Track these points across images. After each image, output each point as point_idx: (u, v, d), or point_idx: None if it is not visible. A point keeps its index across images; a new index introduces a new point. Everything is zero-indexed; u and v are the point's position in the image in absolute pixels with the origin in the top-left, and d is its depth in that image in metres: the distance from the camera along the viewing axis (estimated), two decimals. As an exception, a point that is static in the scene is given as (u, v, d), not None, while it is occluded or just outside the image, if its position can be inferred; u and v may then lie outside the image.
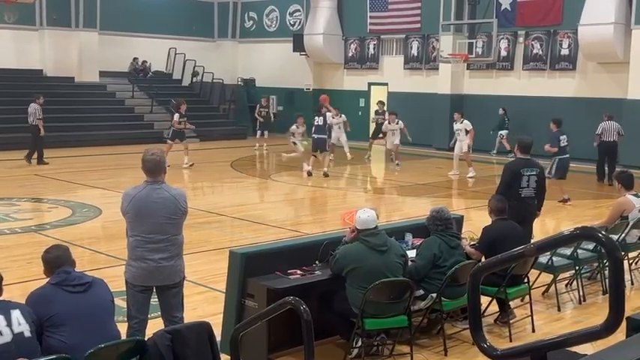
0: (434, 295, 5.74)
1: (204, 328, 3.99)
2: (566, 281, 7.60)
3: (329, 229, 9.92)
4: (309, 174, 16.02)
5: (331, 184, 15.53)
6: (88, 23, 24.15)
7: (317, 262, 5.83)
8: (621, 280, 2.22)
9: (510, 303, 6.44)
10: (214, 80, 26.27)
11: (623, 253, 2.37)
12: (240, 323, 4.66)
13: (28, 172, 16.10)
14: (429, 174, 17.22)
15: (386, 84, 24.10)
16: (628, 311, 2.28)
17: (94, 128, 21.89)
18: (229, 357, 4.25)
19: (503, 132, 20.25)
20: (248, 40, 27.97)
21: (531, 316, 6.37)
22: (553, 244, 2.74)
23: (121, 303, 5.34)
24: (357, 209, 5.95)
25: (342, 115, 18.78)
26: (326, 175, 15.85)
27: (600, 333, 2.19)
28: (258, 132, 21.75)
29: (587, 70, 19.45)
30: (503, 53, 20.94)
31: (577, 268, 7.30)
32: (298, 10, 26.30)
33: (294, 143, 17.78)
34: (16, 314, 3.83)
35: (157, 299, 5.09)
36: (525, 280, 6.47)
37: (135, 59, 25.76)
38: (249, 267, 5.46)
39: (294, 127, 17.47)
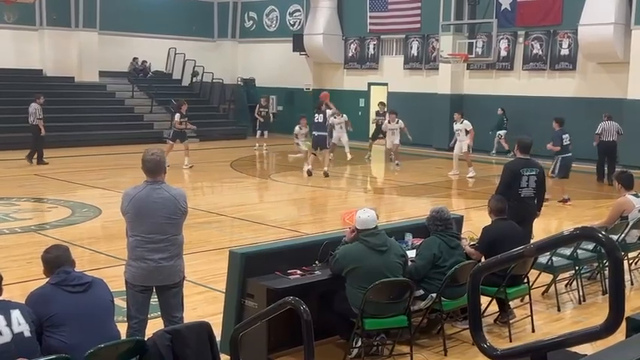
0: (434, 295, 5.74)
1: (204, 328, 3.99)
2: (566, 281, 7.60)
3: (329, 229, 9.92)
4: (309, 173, 16.02)
5: (331, 184, 15.53)
6: (87, 23, 24.15)
7: (317, 262, 5.83)
8: (621, 280, 2.21)
9: (510, 303, 6.44)
10: (214, 80, 26.27)
11: (623, 253, 2.37)
12: (240, 323, 4.65)
13: (27, 172, 16.10)
14: (428, 174, 17.22)
15: (386, 84, 24.10)
16: (628, 311, 2.28)
17: (93, 128, 21.89)
18: (229, 357, 4.24)
19: (502, 132, 20.29)
20: (248, 40, 27.97)
21: (531, 316, 6.37)
22: (553, 244, 2.74)
23: (120, 303, 5.34)
24: (356, 209, 5.95)
25: (344, 115, 18.79)
26: (326, 174, 15.85)
27: (600, 333, 2.19)
28: (258, 132, 21.75)
29: (587, 70, 19.46)
30: (503, 53, 20.95)
31: (577, 268, 7.30)
32: (298, 10, 26.30)
33: (297, 144, 17.78)
34: (15, 314, 3.83)
35: (156, 299, 5.09)
36: (525, 280, 6.47)
37: (135, 59, 25.75)
38: (249, 267, 5.46)
39: (297, 128, 17.47)
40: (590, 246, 7.37)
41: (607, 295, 6.29)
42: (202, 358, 3.92)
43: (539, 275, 7.17)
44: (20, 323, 3.81)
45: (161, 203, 4.90)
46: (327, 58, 25.19)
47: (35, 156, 17.16)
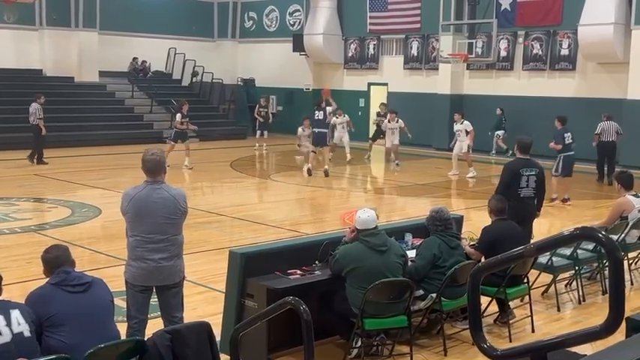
0: (434, 295, 5.74)
1: (204, 328, 3.99)
2: (566, 281, 7.60)
3: (329, 229, 9.93)
4: (310, 172, 16.02)
5: (331, 184, 15.53)
6: (87, 23, 24.15)
7: (317, 262, 5.83)
8: (621, 280, 2.21)
9: (510, 303, 6.44)
10: (214, 80, 26.27)
11: (622, 254, 2.37)
12: (239, 323, 4.65)
13: (27, 172, 16.10)
14: (428, 174, 17.22)
15: (386, 84, 24.09)
16: (628, 311, 2.28)
17: (93, 128, 21.88)
18: (229, 357, 4.24)
19: (500, 132, 20.31)
20: (248, 40, 27.97)
21: (531, 316, 6.37)
22: (553, 244, 2.74)
23: (120, 303, 5.34)
24: (356, 209, 5.95)
25: (346, 115, 18.81)
26: (326, 173, 15.85)
27: (600, 333, 2.19)
28: (258, 132, 21.75)
29: (587, 71, 19.46)
30: (503, 53, 20.95)
31: (577, 268, 7.30)
32: (298, 10, 26.30)
33: (299, 145, 17.78)
34: (15, 314, 3.83)
35: (156, 299, 5.09)
36: (525, 281, 6.47)
37: (134, 59, 25.75)
38: (249, 267, 5.46)
39: (300, 129, 17.47)
40: (590, 246, 7.37)
41: (607, 295, 6.30)
42: (202, 358, 3.92)
43: (539, 275, 7.17)
44: (20, 323, 3.81)
45: (161, 203, 4.90)
46: (327, 58, 25.20)
47: (35, 156, 17.16)
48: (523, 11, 20.49)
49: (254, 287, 5.40)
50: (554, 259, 7.10)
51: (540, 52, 20.32)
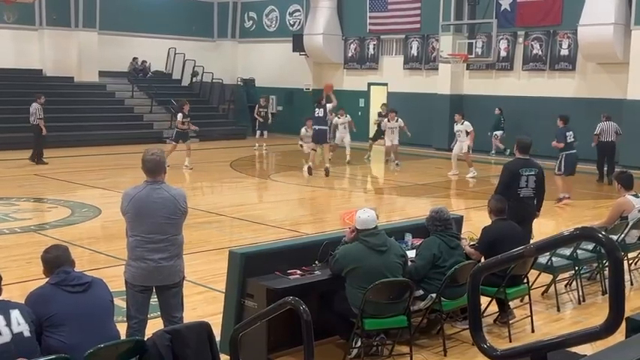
0: (433, 295, 5.74)
1: (204, 328, 3.99)
2: (566, 281, 7.60)
3: (329, 229, 9.93)
4: (310, 171, 16.03)
5: (331, 184, 15.53)
6: (87, 23, 24.15)
7: (317, 262, 5.83)
8: (621, 280, 2.21)
9: (510, 303, 6.44)
10: (214, 80, 26.27)
11: (622, 254, 2.37)
12: (239, 323, 4.65)
13: (27, 172, 16.10)
14: (428, 174, 17.23)
15: (385, 84, 24.10)
16: (627, 312, 2.28)
17: (93, 128, 21.88)
18: (229, 357, 4.24)
19: (498, 132, 20.31)
20: (248, 40, 27.97)
21: (531, 316, 6.37)
22: (553, 244, 2.74)
23: (120, 303, 5.34)
24: (356, 209, 5.94)
25: (348, 115, 18.81)
26: (327, 171, 15.84)
27: (600, 333, 2.19)
28: (258, 132, 21.74)
29: (587, 71, 19.46)
30: (503, 53, 20.95)
31: (576, 268, 7.30)
32: (298, 10, 26.30)
33: (301, 146, 17.77)
34: (15, 314, 3.82)
35: (156, 299, 5.09)
36: (525, 281, 6.47)
37: (134, 59, 25.75)
38: (249, 267, 5.46)
39: (303, 130, 17.46)
40: (590, 246, 7.37)
41: (607, 295, 6.30)
42: (202, 358, 3.92)
43: (538, 275, 7.17)
44: (20, 323, 3.81)
45: (161, 203, 4.90)
46: (327, 58, 25.20)
47: (36, 156, 17.16)
48: (523, 11, 20.49)
49: (254, 287, 5.40)
50: (554, 259, 7.10)
51: (540, 53, 20.32)
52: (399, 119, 17.91)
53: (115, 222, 8.87)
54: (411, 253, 6.01)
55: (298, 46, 25.10)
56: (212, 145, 22.19)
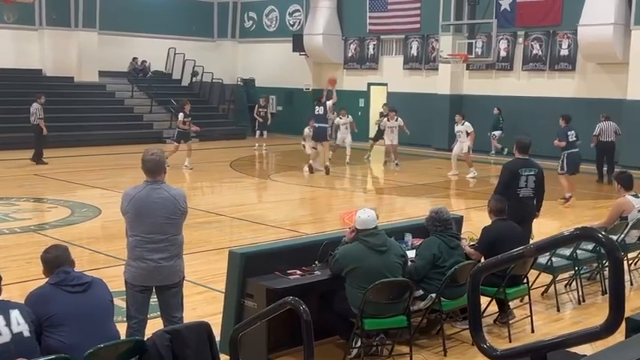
0: (433, 295, 5.74)
1: (204, 328, 3.99)
2: (566, 282, 7.60)
3: (329, 229, 9.92)
4: (311, 169, 16.01)
5: (331, 184, 15.53)
6: (87, 23, 24.15)
7: (316, 262, 5.83)
8: (621, 280, 2.21)
9: (510, 303, 6.44)
10: (214, 80, 26.27)
11: (622, 254, 2.37)
12: (239, 323, 4.65)
13: (27, 172, 16.10)
14: (428, 174, 17.23)
15: (385, 84, 24.10)
16: (627, 312, 2.28)
17: (93, 128, 21.88)
18: (229, 357, 4.24)
19: (497, 132, 20.32)
20: (248, 40, 27.97)
21: (531, 316, 6.37)
22: (552, 244, 2.74)
23: (120, 303, 5.34)
24: (356, 209, 5.94)
25: (349, 116, 18.80)
26: (327, 170, 15.82)
27: (600, 333, 2.19)
28: (257, 132, 21.73)
29: (587, 71, 19.46)
30: (503, 54, 20.95)
31: (576, 268, 7.29)
32: (298, 10, 26.30)
33: (304, 146, 17.77)
34: (15, 314, 3.82)
35: (156, 299, 5.09)
36: (525, 281, 6.47)
37: (134, 59, 25.75)
38: (249, 267, 5.46)
39: (306, 130, 17.46)
40: (590, 246, 7.37)
41: (607, 295, 6.29)
42: (202, 358, 3.92)
43: (538, 275, 7.17)
44: (19, 323, 3.81)
45: (161, 203, 4.90)
46: (327, 58, 25.19)
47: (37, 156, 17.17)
48: (523, 11, 20.49)
49: (254, 287, 5.40)
50: (553, 259, 7.10)
51: (540, 53, 20.32)
52: (399, 118, 17.91)
53: (115, 222, 8.87)
54: (411, 253, 6.01)
55: (298, 46, 25.10)
56: (212, 145, 22.18)
